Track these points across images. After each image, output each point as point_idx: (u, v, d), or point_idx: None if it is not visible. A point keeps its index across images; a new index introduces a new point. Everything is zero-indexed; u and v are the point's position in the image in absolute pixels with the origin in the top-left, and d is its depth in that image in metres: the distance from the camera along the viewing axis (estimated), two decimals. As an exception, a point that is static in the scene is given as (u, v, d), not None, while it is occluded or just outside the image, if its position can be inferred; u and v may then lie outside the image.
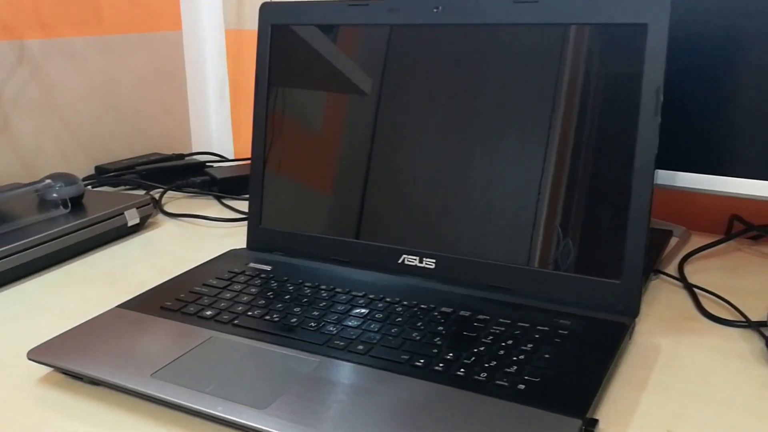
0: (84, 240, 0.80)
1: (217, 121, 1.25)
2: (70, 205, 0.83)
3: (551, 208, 0.63)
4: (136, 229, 0.87)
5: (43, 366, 0.56)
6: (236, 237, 0.86)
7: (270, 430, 0.46)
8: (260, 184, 0.75)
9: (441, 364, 0.53)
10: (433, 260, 0.67)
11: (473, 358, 0.53)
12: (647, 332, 0.60)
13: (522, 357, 0.53)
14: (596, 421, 0.46)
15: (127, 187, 1.05)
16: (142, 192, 1.00)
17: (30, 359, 0.56)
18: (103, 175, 1.05)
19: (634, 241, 0.59)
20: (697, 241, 0.80)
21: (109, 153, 1.13)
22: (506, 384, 0.50)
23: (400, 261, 0.68)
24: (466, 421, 0.46)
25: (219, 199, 0.99)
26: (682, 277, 0.69)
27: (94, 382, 0.54)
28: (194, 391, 0.51)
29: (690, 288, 0.67)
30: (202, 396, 0.50)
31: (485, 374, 0.51)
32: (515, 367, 0.52)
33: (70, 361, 0.55)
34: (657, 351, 0.58)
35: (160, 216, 0.94)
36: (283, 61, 0.75)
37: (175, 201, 1.01)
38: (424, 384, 0.50)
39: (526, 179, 0.64)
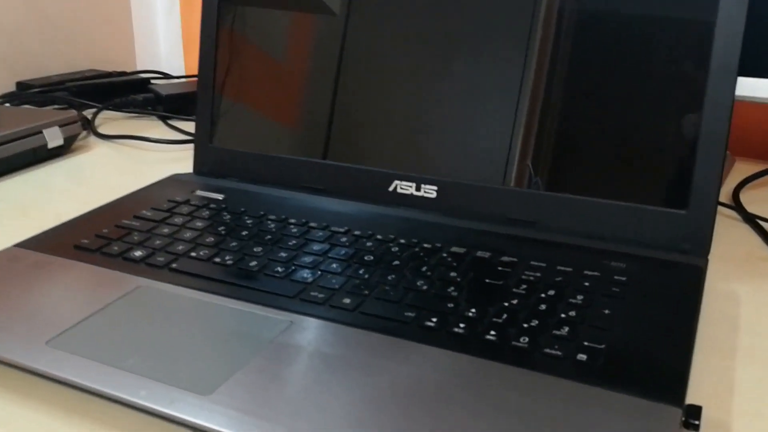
0: (-12, 163, 0.60)
1: (165, 34, 1.02)
2: (-29, 120, 0.62)
3: (589, 115, 0.45)
4: (60, 152, 0.67)
5: None
6: (186, 162, 0.66)
7: (216, 428, 0.29)
8: (210, 92, 0.56)
9: (462, 325, 0.35)
10: (434, 187, 0.49)
11: (505, 316, 0.36)
12: (717, 276, 0.44)
13: (573, 314, 0.36)
14: (700, 409, 0.30)
15: (56, 106, 0.83)
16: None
17: None
18: (25, 91, 0.84)
19: (708, 161, 0.42)
20: (741, 167, 0.64)
21: (36, 69, 0.90)
22: (560, 354, 0.33)
23: (391, 189, 0.50)
24: (514, 415, 0.29)
25: (164, 119, 0.78)
26: (740, 208, 0.53)
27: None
28: (107, 367, 0.32)
29: (753, 221, 0.51)
30: (119, 374, 0.32)
31: (526, 339, 0.34)
32: (567, 329, 0.35)
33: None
34: (736, 302, 0.42)
35: (93, 139, 0.73)
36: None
37: (111, 122, 0.80)
38: (442, 354, 0.33)
39: (553, 76, 0.46)
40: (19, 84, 0.85)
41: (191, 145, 0.70)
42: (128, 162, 0.66)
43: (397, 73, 0.50)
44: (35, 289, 0.39)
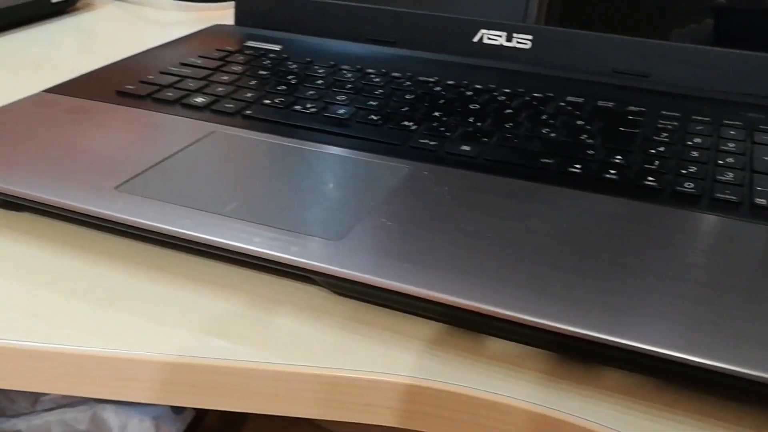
0: (-16, 15, 0.52)
1: None
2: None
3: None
4: (63, 8, 0.58)
5: None
6: (221, 22, 0.58)
7: (358, 275, 0.24)
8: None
9: (612, 171, 0.31)
10: (529, 37, 0.43)
11: (657, 163, 0.32)
12: None
13: (731, 161, 0.32)
14: None
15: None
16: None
17: None
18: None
19: None
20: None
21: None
22: (735, 200, 0.28)
23: (476, 39, 0.44)
24: (723, 259, 0.24)
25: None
26: None
27: (13, 203, 0.29)
28: (200, 213, 0.27)
29: None
30: (218, 220, 0.26)
31: (692, 185, 0.30)
32: (730, 175, 0.30)
33: (-34, 165, 0.30)
34: None
35: (97, -3, 0.65)
36: None
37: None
38: (600, 198, 0.28)
39: None
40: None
41: (222, 4, 0.61)
42: (143, 22, 0.58)
43: None
44: (81, 134, 0.32)
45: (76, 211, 0.27)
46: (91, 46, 0.51)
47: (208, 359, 0.24)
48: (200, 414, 0.67)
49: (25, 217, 0.30)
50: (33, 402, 0.61)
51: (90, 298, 0.26)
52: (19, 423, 0.61)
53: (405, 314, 0.25)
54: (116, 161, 0.30)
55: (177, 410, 0.64)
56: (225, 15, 0.60)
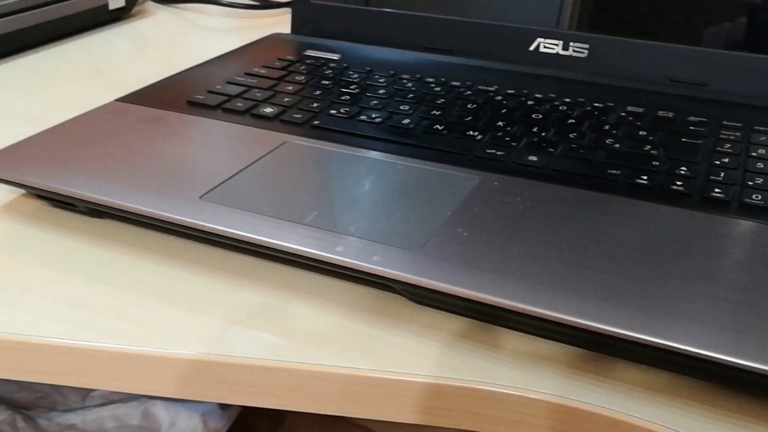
0: (47, 22, 0.53)
1: None
2: (22, -26, 0.55)
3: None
4: (119, 15, 0.60)
5: (5, 186, 0.32)
6: (265, 30, 0.57)
7: (444, 286, 0.25)
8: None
9: (678, 182, 0.31)
10: (585, 46, 0.43)
11: (723, 174, 0.32)
12: None
13: (799, 172, 0.32)
14: None
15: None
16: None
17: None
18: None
19: None
20: None
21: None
22: (807, 211, 0.30)
23: (532, 48, 0.45)
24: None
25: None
26: None
27: (97, 210, 0.31)
28: (284, 222, 0.28)
29: None
30: (302, 230, 0.28)
31: (759, 196, 0.30)
32: (800, 187, 0.31)
33: (53, 176, 0.31)
34: None
35: (152, 5, 0.66)
36: None
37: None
38: (667, 210, 0.28)
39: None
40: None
41: (276, 11, 0.63)
42: (196, 28, 0.60)
43: None
44: (158, 143, 0.34)
45: (165, 220, 0.28)
46: (149, 53, 0.53)
47: (296, 363, 0.25)
48: (244, 411, 0.68)
49: (107, 223, 0.32)
50: (83, 397, 0.64)
51: (179, 304, 0.27)
52: (74, 417, 0.63)
53: (479, 322, 0.27)
54: (196, 171, 0.31)
55: (224, 406, 0.65)
56: (275, 22, 0.61)
